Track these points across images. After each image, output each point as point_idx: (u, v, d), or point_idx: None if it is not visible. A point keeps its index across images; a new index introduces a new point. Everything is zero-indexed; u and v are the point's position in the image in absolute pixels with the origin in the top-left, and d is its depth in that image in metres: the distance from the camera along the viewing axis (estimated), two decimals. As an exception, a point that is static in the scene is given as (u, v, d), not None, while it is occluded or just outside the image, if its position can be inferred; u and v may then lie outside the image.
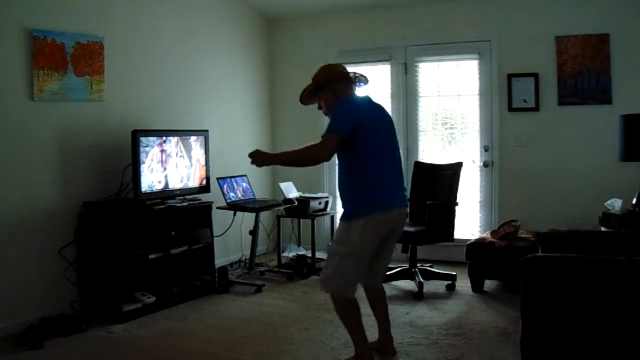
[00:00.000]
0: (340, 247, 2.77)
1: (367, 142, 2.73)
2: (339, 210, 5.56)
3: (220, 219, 4.58)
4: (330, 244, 2.86)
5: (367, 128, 2.73)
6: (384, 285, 3.13)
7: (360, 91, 3.00)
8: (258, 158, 2.83)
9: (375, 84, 5.46)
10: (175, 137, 4.16)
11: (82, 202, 3.75)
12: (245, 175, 4.91)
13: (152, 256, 3.86)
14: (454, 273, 4.39)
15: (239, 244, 5.02)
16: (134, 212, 3.79)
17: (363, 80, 2.98)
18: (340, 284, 2.75)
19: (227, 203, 4.56)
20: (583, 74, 4.66)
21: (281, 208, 4.99)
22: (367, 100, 2.91)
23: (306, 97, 2.99)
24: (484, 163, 5.08)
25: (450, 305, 3.90)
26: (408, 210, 3.10)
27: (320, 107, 2.99)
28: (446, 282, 4.34)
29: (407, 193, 3.31)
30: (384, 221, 2.76)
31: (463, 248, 4.34)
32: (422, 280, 4.17)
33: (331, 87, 2.88)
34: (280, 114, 5.88)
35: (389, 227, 2.81)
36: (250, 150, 2.85)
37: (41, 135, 3.60)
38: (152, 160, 3.95)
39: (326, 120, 2.86)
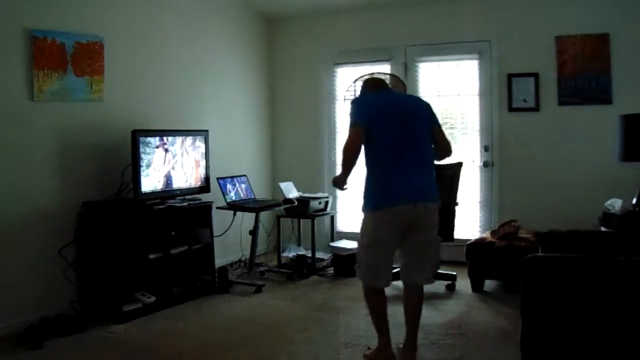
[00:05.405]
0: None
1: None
2: (339, 210, 5.58)
3: (220, 219, 4.58)
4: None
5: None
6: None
7: None
8: (337, 181, 2.96)
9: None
10: (175, 137, 4.16)
11: (82, 202, 3.75)
12: (245, 175, 4.91)
13: (152, 256, 3.86)
14: (454, 273, 4.39)
15: (239, 244, 5.01)
16: (134, 212, 3.79)
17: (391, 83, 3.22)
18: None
19: (227, 203, 4.56)
20: (583, 74, 4.66)
21: (281, 208, 4.99)
22: (381, 95, 2.98)
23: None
24: (484, 163, 5.08)
25: (450, 305, 3.90)
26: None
27: None
28: (446, 282, 4.34)
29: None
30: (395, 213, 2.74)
31: (463, 248, 4.33)
32: (422, 280, 4.16)
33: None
34: (280, 113, 5.86)
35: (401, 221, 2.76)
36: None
37: (41, 136, 3.60)
38: (152, 160, 3.95)
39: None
